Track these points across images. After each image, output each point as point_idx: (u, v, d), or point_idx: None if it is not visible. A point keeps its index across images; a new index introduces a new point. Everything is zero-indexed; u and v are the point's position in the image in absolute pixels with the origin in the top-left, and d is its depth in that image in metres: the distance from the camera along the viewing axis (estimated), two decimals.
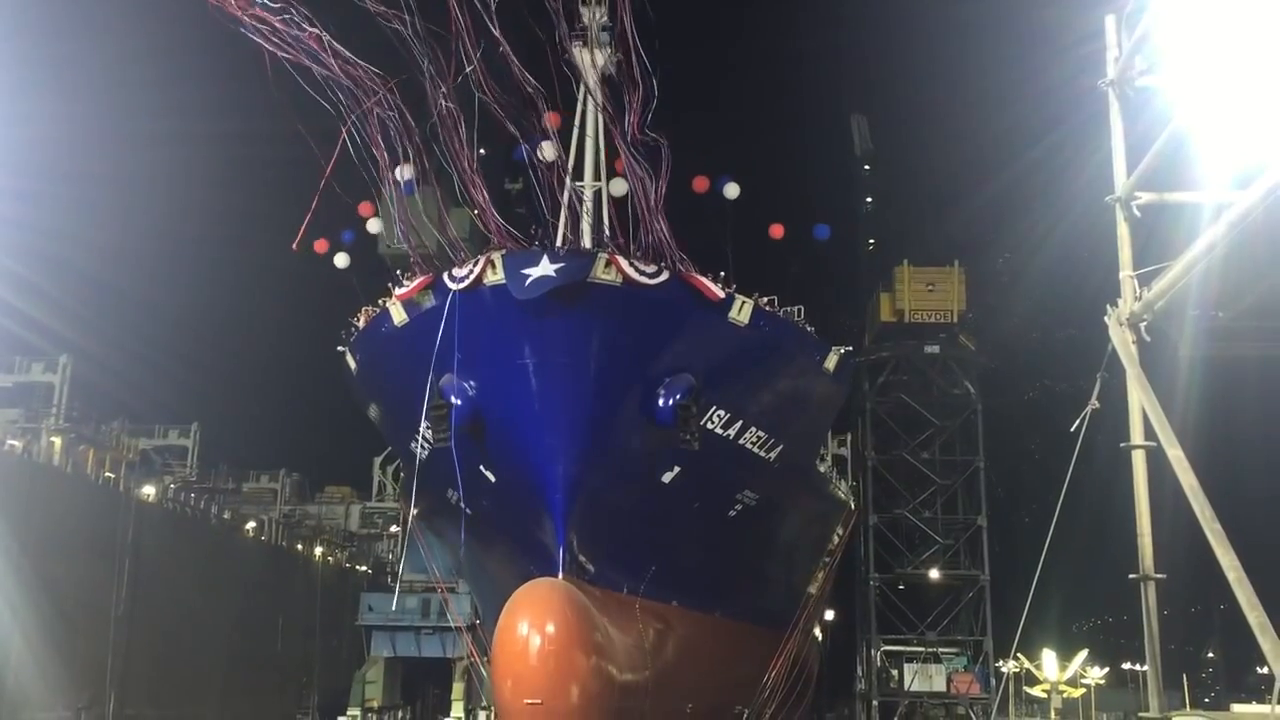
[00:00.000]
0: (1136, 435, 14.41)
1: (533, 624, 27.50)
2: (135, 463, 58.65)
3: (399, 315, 30.50)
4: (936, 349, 75.68)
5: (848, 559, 79.03)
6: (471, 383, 28.95)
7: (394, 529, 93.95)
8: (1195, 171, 13.17)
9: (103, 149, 78.08)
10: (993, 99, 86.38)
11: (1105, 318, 14.59)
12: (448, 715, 69.34)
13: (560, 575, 29.08)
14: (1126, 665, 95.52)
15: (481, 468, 31.07)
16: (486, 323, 28.19)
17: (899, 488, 76.24)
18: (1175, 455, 12.64)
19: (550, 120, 32.71)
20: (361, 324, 34.21)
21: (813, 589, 51.00)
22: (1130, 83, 14.91)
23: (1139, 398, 13.88)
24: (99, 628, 49.66)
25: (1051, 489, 19.20)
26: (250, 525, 71.92)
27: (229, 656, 62.53)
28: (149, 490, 57.97)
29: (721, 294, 29.84)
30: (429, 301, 29.59)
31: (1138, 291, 14.25)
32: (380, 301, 32.51)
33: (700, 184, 37.37)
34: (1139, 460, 14.49)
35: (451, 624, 61.99)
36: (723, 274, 31.08)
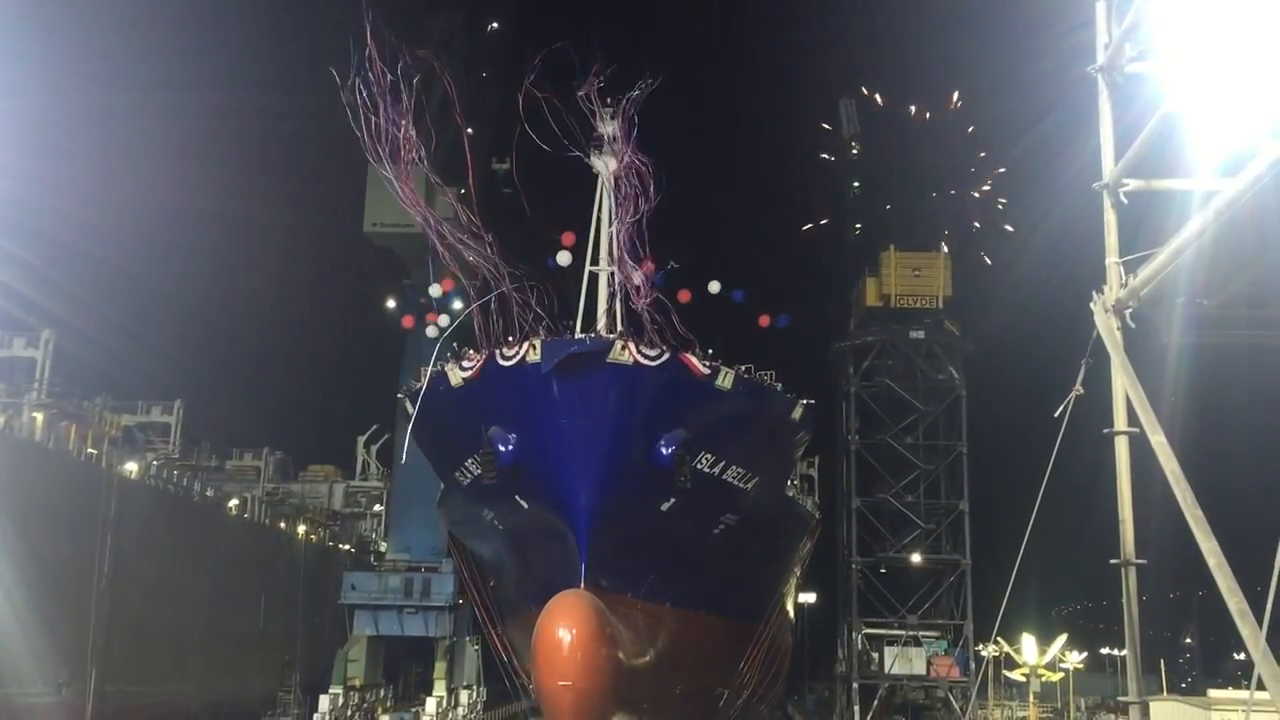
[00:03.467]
0: (1120, 421, 14.44)
1: (565, 626, 35.81)
2: (118, 439, 58.38)
3: (455, 379, 38.74)
4: (921, 334, 75.96)
5: (830, 544, 79.68)
6: (513, 435, 37.34)
7: (377, 508, 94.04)
8: (1185, 158, 13.16)
9: (89, 122, 77.58)
10: (985, 86, 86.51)
11: (1090, 304, 14.61)
12: (430, 694, 69.54)
13: (582, 586, 37.19)
14: (1105, 650, 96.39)
15: (516, 497, 39.60)
16: (528, 391, 36.49)
17: (882, 472, 76.51)
18: (1158, 441, 12.68)
19: (566, 239, 42.97)
20: (421, 381, 42.47)
21: (783, 589, 60.12)
22: (1119, 69, 14.86)
23: (1123, 383, 13.92)
24: (80, 605, 49.52)
25: (1034, 474, 19.27)
26: (233, 503, 71.75)
27: (211, 634, 62.44)
28: (131, 467, 57.72)
29: (706, 371, 38.72)
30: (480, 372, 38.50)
31: (1123, 278, 14.25)
32: (439, 365, 40.73)
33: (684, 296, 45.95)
34: (1121, 446, 14.52)
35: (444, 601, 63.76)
36: (709, 350, 40.08)
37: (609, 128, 44.35)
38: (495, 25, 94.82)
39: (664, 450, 37.72)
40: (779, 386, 44.10)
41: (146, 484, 59.22)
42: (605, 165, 44.12)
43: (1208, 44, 11.63)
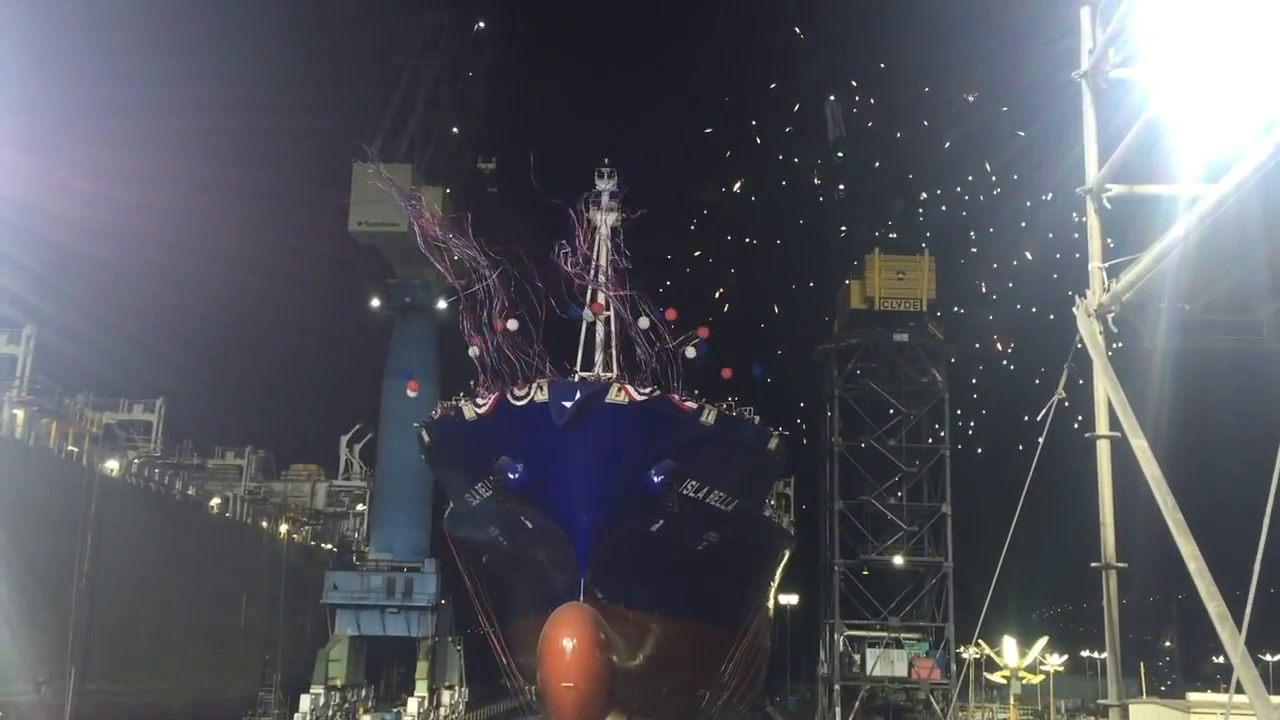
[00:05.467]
0: (1102, 425, 14.48)
1: (567, 635, 40.31)
2: (99, 437, 58.06)
3: (470, 414, 43.22)
4: (905, 337, 76.08)
5: (813, 547, 79.90)
6: (521, 464, 41.54)
7: (360, 507, 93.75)
8: (1168, 164, 13.20)
9: (71, 117, 77.14)
10: (973, 92, 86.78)
11: (1074, 308, 14.66)
12: (412, 694, 69.42)
13: (582, 599, 41.46)
14: (1085, 653, 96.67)
15: (522, 518, 44.12)
16: (536, 427, 40.60)
17: (865, 474, 76.63)
18: (1139, 445, 12.74)
19: (595, 309, 47.06)
20: (438, 414, 48.21)
21: (761, 598, 64.97)
22: (1103, 75, 14.91)
23: (1105, 388, 13.97)
24: (60, 603, 49.24)
25: (1017, 477, 19.31)
26: (215, 501, 71.40)
27: (192, 633, 62.15)
28: (112, 465, 57.41)
29: (694, 408, 43.38)
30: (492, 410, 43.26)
31: (1106, 283, 14.31)
32: (454, 400, 45.76)
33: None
34: (1103, 450, 14.56)
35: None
36: (695, 391, 44.88)
37: (607, 185, 50.83)
38: (482, 25, 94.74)
39: (654, 479, 41.99)
40: (757, 420, 49.14)
41: (128, 482, 58.89)
42: (602, 218, 49.93)
43: (1191, 50, 11.69)
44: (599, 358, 47.67)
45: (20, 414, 50.07)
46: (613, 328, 47.46)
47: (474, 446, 44.30)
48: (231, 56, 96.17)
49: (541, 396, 40.87)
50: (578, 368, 47.20)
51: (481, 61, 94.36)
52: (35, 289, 56.95)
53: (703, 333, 46.49)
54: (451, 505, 54.24)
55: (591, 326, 48.08)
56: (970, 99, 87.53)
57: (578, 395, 40.85)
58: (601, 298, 47.37)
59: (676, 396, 43.87)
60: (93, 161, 74.21)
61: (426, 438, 49.65)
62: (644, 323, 45.43)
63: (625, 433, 41.29)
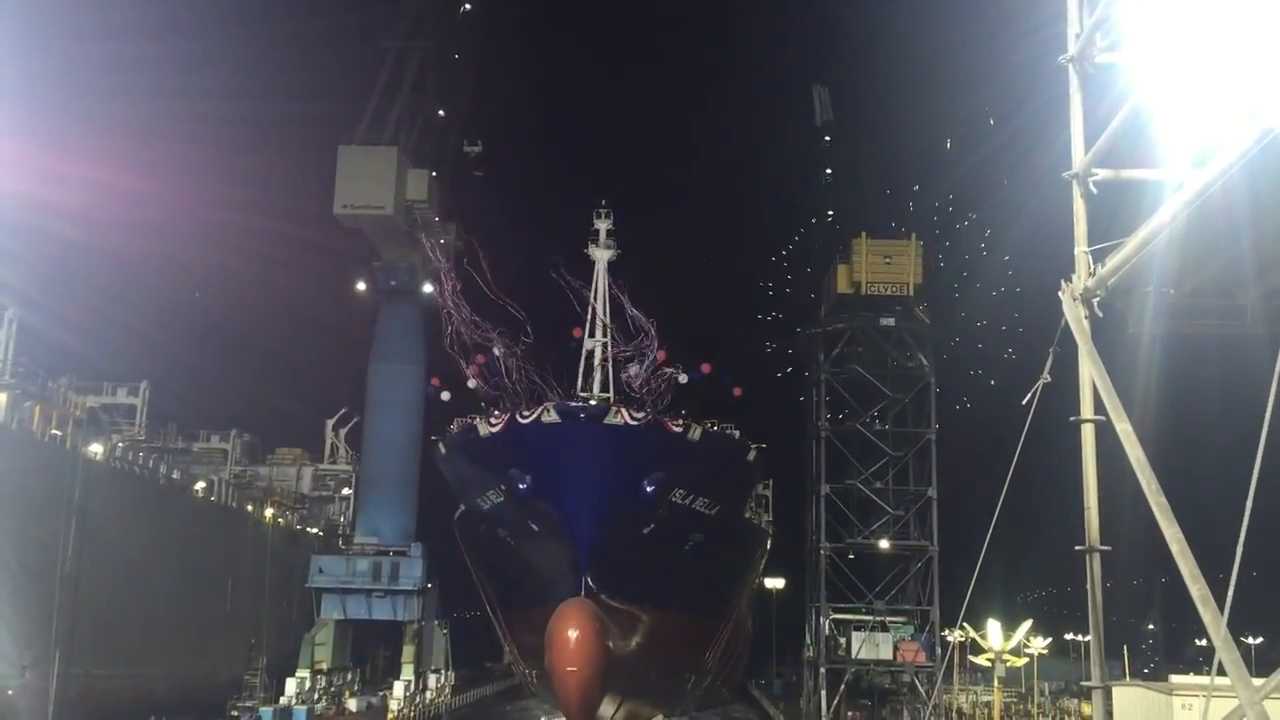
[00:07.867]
0: (1086, 409, 14.51)
1: (572, 626, 46.43)
2: (83, 420, 57.82)
3: (484, 431, 49.49)
4: (892, 321, 76.04)
5: (799, 530, 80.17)
6: (529, 475, 47.03)
7: (346, 491, 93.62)
8: (1156, 148, 13.20)
9: (52, 101, 76.57)
10: (959, 76, 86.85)
11: (1059, 293, 14.67)
12: (398, 677, 69.52)
13: (583, 595, 47.30)
14: (1068, 635, 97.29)
15: (529, 521, 49.54)
16: (543, 443, 46.54)
17: (851, 458, 76.73)
18: (1123, 429, 12.76)
19: (575, 333, 54.74)
20: (454, 428, 53.87)
21: (742, 590, 70.75)
22: (1090, 60, 14.90)
23: (1089, 372, 14.00)
24: (45, 588, 49.10)
25: (1002, 461, 19.34)
26: (200, 485, 71.23)
27: (177, 617, 62.06)
28: (97, 449, 57.20)
29: (678, 429, 49.81)
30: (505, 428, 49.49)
31: (1092, 267, 14.33)
32: (470, 418, 51.88)
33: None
34: (1088, 433, 14.60)
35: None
36: (684, 412, 52.05)
37: (604, 223, 57.29)
38: (468, 6, 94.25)
39: (647, 489, 47.56)
40: (738, 434, 55.13)
41: (112, 466, 58.70)
42: (600, 254, 56.62)
43: (1178, 34, 11.67)
44: (596, 379, 54.47)
45: (3, 398, 49.81)
46: (609, 356, 54.56)
47: (487, 458, 50.09)
48: (214, 39, 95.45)
49: (548, 417, 46.98)
50: (578, 389, 53.91)
51: (467, 44, 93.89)
52: (17, 272, 56.51)
53: (705, 368, 54.85)
54: (462, 506, 59.62)
55: (590, 352, 54.57)
56: (966, 92, 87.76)
57: (582, 415, 47.17)
58: (598, 335, 53.96)
59: (666, 418, 50.15)
60: (75, 146, 73.69)
61: (443, 449, 55.46)
62: (633, 368, 52.95)
63: (621, 449, 46.80)
